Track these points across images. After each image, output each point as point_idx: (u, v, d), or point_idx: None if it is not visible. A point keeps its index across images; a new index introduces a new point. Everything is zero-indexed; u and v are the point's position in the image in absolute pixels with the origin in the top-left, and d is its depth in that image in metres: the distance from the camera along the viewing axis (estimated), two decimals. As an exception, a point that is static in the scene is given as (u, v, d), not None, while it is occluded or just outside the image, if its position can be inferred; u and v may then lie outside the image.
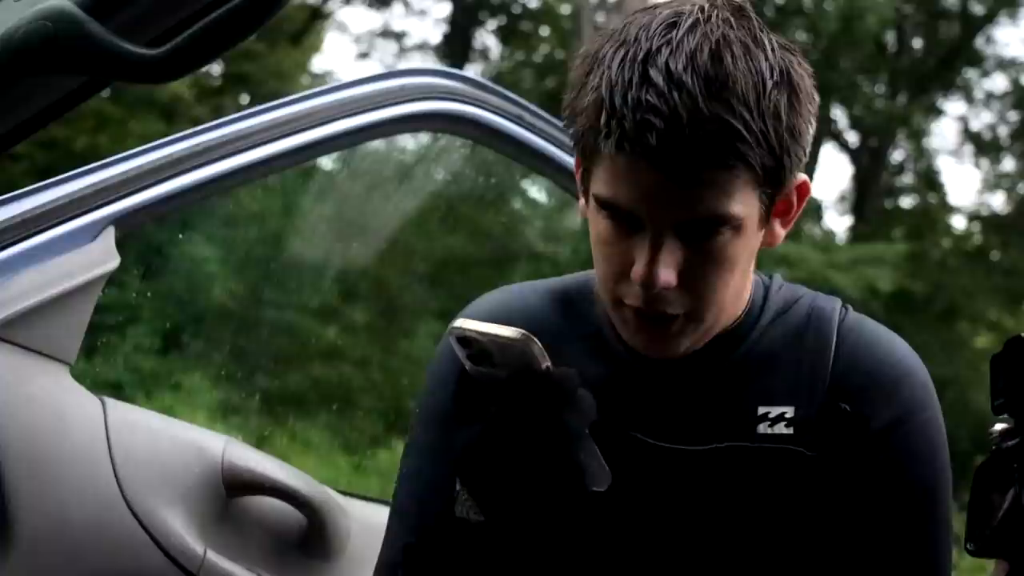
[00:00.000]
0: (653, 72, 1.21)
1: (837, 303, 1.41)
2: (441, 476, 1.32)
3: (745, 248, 1.30)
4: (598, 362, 1.37)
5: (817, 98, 1.30)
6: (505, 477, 1.21)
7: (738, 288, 1.34)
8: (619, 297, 1.30)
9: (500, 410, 1.22)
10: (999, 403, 1.12)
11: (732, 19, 1.25)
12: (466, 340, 1.24)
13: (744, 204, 1.25)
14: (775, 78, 1.23)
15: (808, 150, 1.29)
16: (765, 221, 1.31)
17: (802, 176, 1.33)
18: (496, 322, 1.28)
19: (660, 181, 1.22)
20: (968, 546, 1.12)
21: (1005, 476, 1.10)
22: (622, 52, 1.24)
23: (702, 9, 1.25)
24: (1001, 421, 1.12)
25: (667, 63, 1.21)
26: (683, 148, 1.20)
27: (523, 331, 1.21)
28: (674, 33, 1.23)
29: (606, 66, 1.24)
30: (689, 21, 1.24)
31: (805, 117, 1.27)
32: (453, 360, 1.35)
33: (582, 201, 1.37)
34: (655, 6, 1.30)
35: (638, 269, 1.25)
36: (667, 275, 1.25)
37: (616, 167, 1.24)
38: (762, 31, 1.26)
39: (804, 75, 1.28)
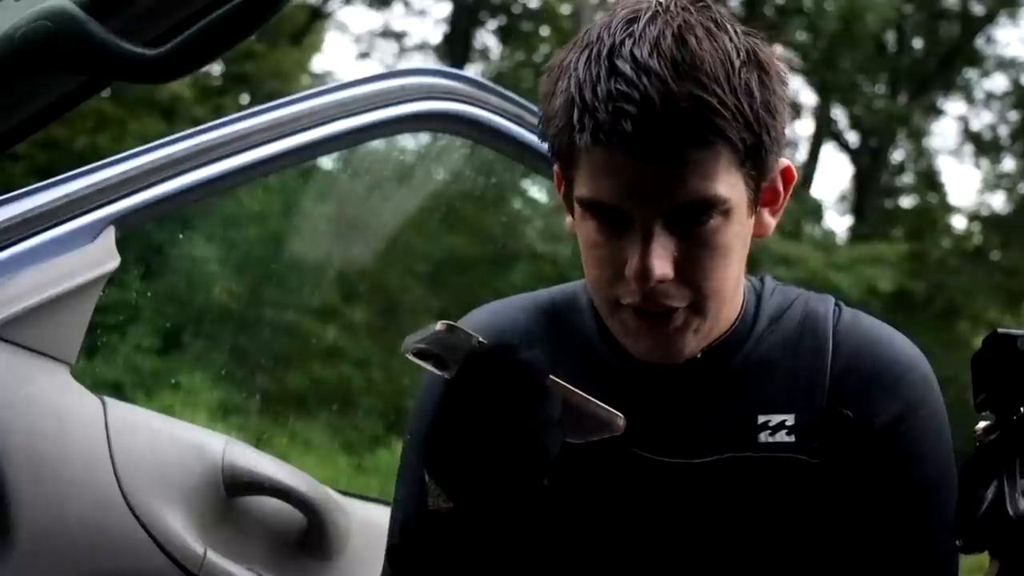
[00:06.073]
0: (619, 63, 1.21)
1: (830, 303, 1.40)
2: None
3: (737, 235, 1.28)
4: (590, 376, 1.34)
5: (788, 80, 1.29)
6: (464, 456, 1.19)
7: (737, 279, 1.32)
8: (616, 299, 1.28)
9: (453, 393, 1.20)
10: (980, 400, 1.13)
11: (691, 7, 1.26)
12: (422, 355, 1.22)
13: (729, 186, 1.24)
14: (742, 57, 1.23)
15: (786, 129, 1.29)
16: (754, 207, 1.30)
17: (785, 161, 1.32)
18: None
19: (641, 169, 1.21)
20: (957, 542, 1.13)
21: (989, 471, 1.10)
22: (587, 52, 1.25)
23: (659, 2, 1.26)
24: (984, 418, 1.13)
25: (632, 52, 1.21)
26: (659, 131, 1.19)
27: (440, 320, 1.20)
28: (635, 26, 1.24)
29: (572, 69, 1.25)
30: (648, 14, 1.25)
31: (779, 95, 1.26)
32: (435, 387, 1.36)
33: (569, 216, 1.36)
34: (613, 8, 1.30)
35: (632, 264, 1.24)
36: (662, 267, 1.23)
37: (595, 164, 1.24)
38: (722, 17, 1.27)
39: (771, 56, 1.27)
